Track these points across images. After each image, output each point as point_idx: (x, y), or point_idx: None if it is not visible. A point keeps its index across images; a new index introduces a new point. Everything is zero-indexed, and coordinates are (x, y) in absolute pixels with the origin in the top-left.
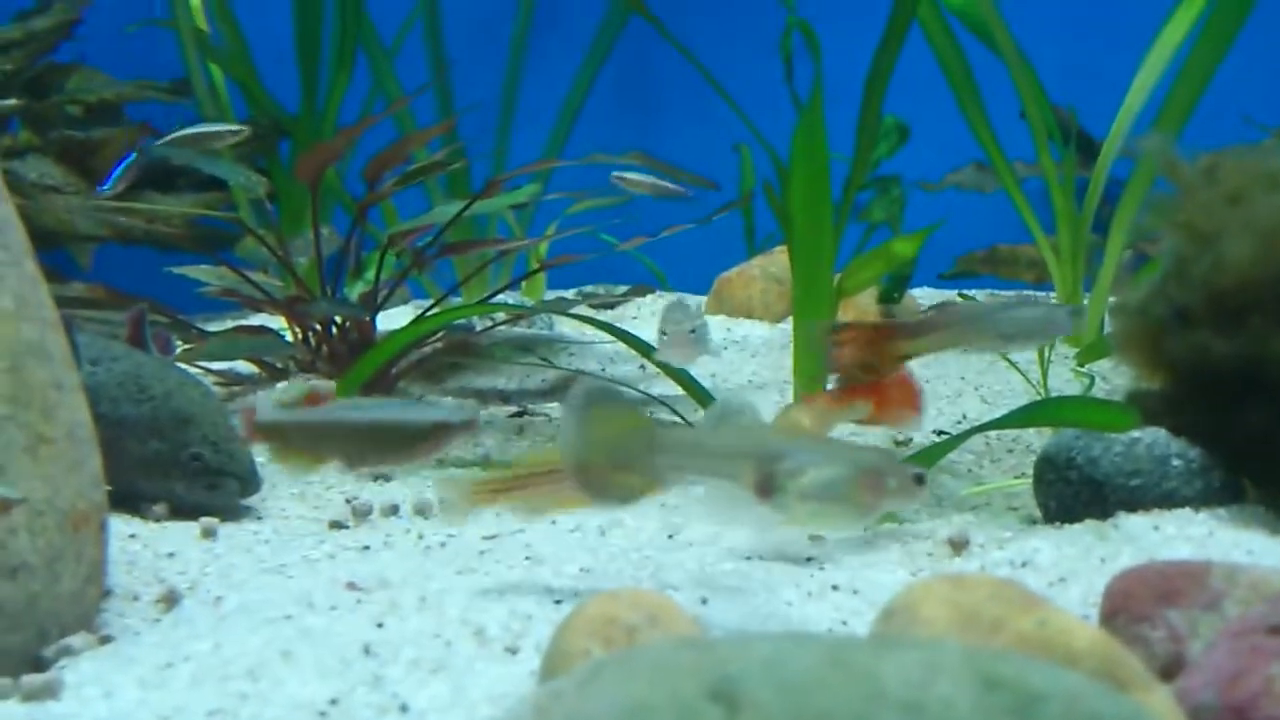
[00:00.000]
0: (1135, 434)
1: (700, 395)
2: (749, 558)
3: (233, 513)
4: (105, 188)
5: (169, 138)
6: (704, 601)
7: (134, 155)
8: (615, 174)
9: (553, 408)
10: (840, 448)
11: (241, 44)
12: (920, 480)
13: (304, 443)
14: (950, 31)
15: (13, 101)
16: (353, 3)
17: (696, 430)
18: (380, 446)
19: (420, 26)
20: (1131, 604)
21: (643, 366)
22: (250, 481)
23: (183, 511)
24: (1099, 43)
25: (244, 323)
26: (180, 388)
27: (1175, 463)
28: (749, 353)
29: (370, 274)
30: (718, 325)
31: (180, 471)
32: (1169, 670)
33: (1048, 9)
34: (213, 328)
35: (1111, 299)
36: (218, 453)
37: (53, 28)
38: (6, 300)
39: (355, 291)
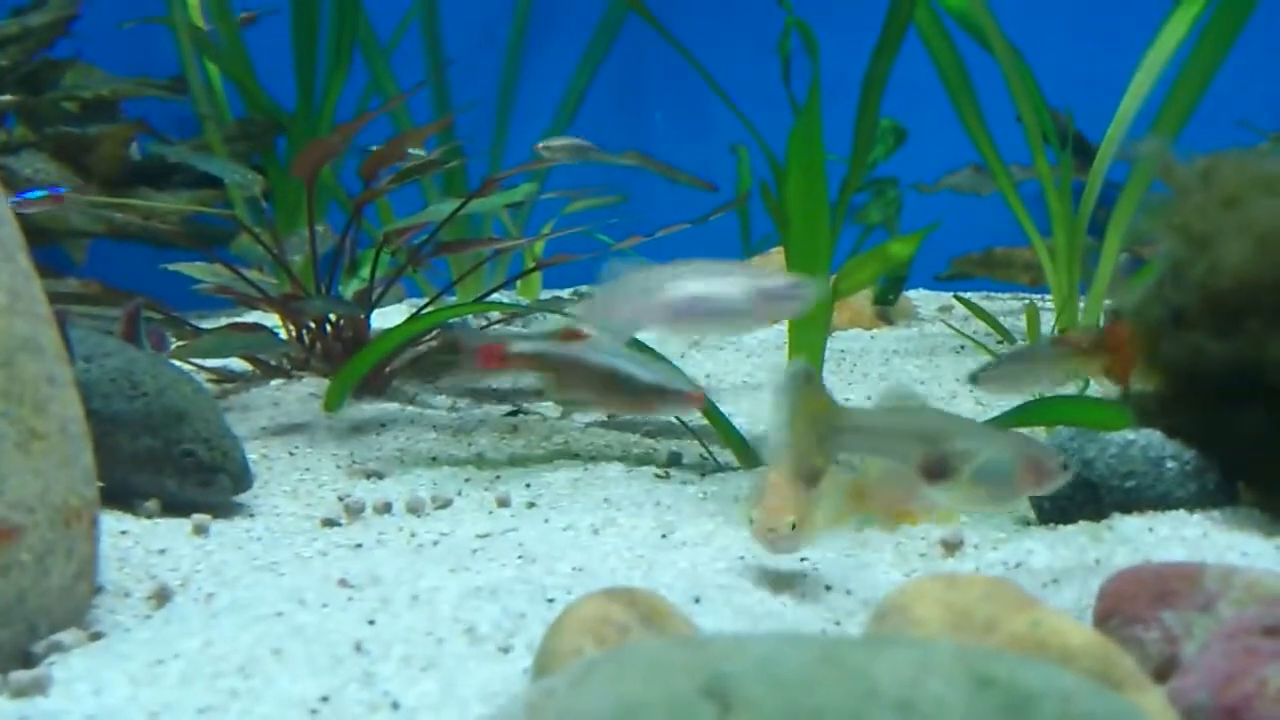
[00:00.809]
0: (1130, 436)
1: None
2: (742, 557)
3: (225, 509)
4: (15, 200)
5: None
6: (697, 601)
7: (54, 191)
8: (539, 145)
9: (546, 407)
10: (999, 434)
11: (238, 41)
12: (1066, 468)
13: (548, 374)
14: (947, 34)
15: (8, 97)
16: (350, 1)
17: (871, 410)
18: (612, 394)
19: (417, 25)
20: (1126, 605)
21: None
22: (243, 478)
23: (174, 508)
24: (1095, 46)
25: (238, 320)
26: (174, 384)
27: (1170, 465)
28: (744, 353)
29: (365, 272)
30: None
31: (173, 468)
32: (1163, 671)
33: (1044, 12)
34: (207, 325)
35: (1107, 302)
36: (211, 449)
37: (49, 24)
38: None
39: (350, 289)
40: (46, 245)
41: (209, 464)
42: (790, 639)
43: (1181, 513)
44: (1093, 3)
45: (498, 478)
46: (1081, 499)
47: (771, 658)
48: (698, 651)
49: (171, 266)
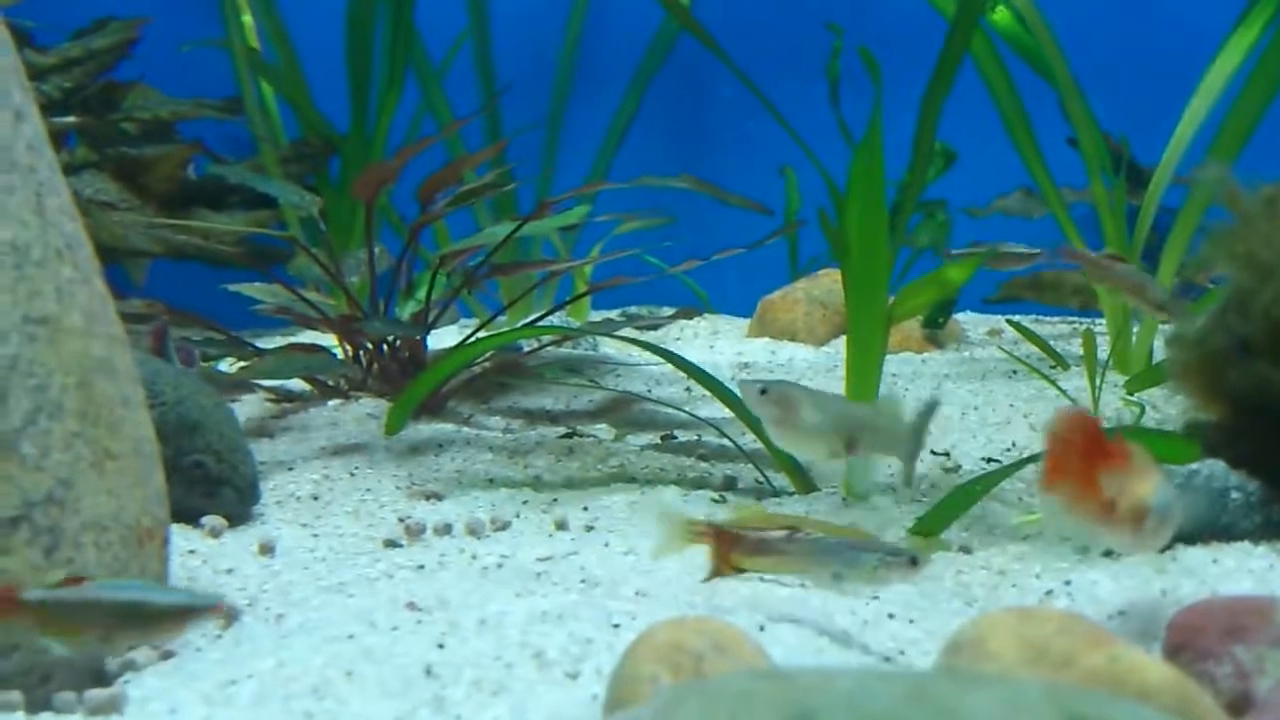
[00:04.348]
0: (1193, 466)
1: (748, 418)
2: (803, 585)
3: (241, 519)
4: None
5: None
6: (761, 628)
7: None
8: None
9: (600, 428)
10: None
11: (293, 63)
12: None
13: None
14: (999, 57)
15: (70, 119)
16: (404, 24)
17: None
18: (131, 626)
19: (469, 48)
20: (1196, 639)
21: (688, 389)
22: (249, 493)
23: (179, 516)
24: (1150, 70)
25: (295, 340)
26: (192, 396)
27: (1234, 496)
28: (794, 376)
29: (421, 293)
30: (762, 348)
31: (181, 477)
32: (1236, 707)
33: (1098, 35)
34: (261, 344)
35: (1162, 325)
36: (220, 462)
37: (112, 46)
38: (76, 317)
39: (407, 311)
40: (106, 265)
41: (215, 476)
42: (877, 674)
43: (1246, 544)
44: (1146, 27)
45: (555, 500)
46: None
47: (859, 693)
48: (784, 685)
49: (232, 287)
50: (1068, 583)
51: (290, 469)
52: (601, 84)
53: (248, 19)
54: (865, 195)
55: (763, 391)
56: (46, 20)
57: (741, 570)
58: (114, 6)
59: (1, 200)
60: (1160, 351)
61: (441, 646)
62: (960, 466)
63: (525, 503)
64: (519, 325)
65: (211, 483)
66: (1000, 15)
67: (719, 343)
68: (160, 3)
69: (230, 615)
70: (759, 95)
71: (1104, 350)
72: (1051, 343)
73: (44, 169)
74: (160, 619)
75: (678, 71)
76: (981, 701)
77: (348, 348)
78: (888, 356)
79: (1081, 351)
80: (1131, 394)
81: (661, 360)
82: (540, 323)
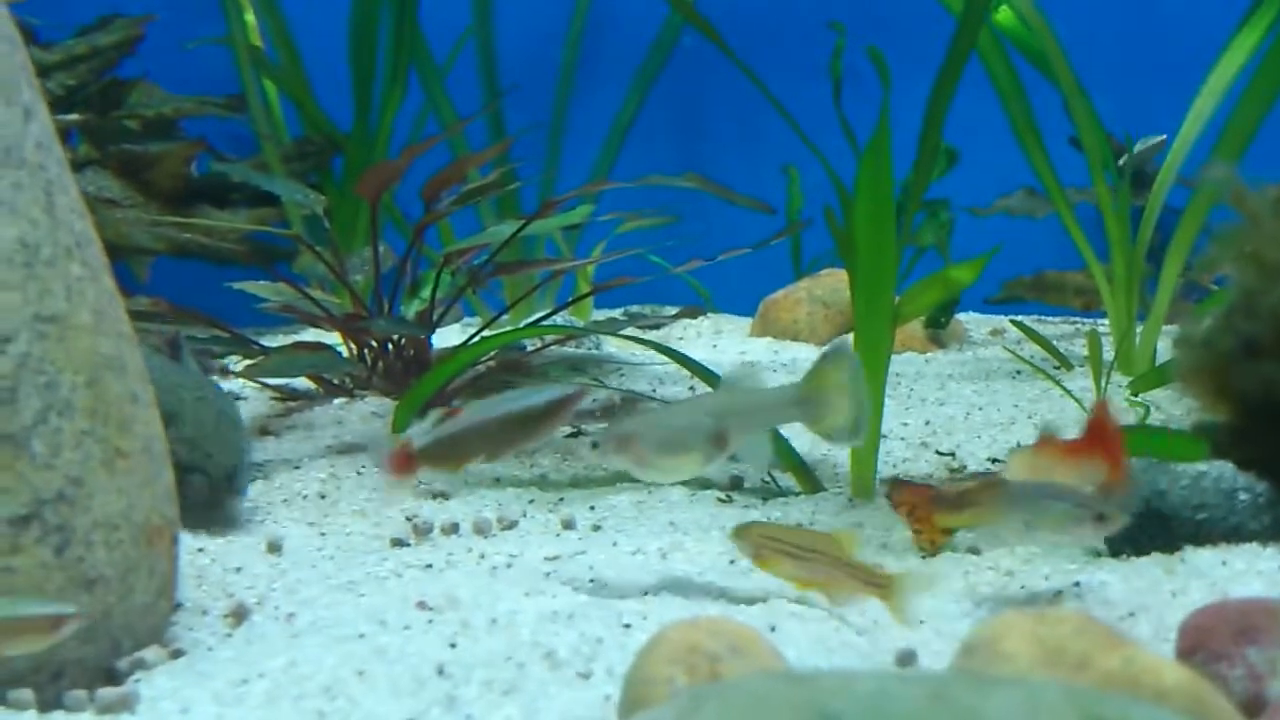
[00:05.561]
0: (1201, 467)
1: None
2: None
3: (215, 507)
4: None
5: None
6: (772, 629)
7: None
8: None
9: (604, 428)
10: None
11: (296, 61)
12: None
13: (462, 447)
14: (1006, 55)
15: (73, 116)
16: (408, 21)
17: None
18: (521, 430)
19: (472, 46)
20: (1209, 641)
21: (692, 388)
22: (222, 482)
23: None
24: (1154, 70)
25: (299, 338)
26: (174, 389)
27: (1242, 497)
28: (797, 375)
29: (426, 292)
30: (764, 347)
31: None
32: (1249, 709)
33: (1102, 34)
34: (266, 342)
35: (1166, 326)
36: (193, 451)
37: (116, 43)
38: (85, 315)
39: (412, 309)
40: (111, 263)
41: (185, 464)
42: (898, 676)
43: (1255, 546)
44: (1150, 28)
45: (561, 500)
46: (1153, 531)
47: (880, 696)
48: (804, 687)
49: (237, 285)
50: (1076, 584)
51: (296, 468)
52: (605, 82)
53: (250, 17)
54: (873, 195)
55: (594, 446)
56: (51, 17)
57: (950, 532)
58: (119, 4)
59: (11, 198)
60: (1164, 352)
61: (453, 646)
62: (965, 467)
63: (532, 502)
64: (523, 324)
65: (180, 470)
66: (1003, 15)
67: (722, 342)
68: (164, 0)
69: (240, 614)
70: (765, 92)
71: (1108, 351)
72: (1055, 343)
73: (53, 167)
74: (540, 419)
75: (681, 70)
76: (1003, 703)
77: (352, 346)
78: (891, 356)
79: (1085, 352)
80: (1136, 395)
81: (665, 359)
82: (544, 322)
